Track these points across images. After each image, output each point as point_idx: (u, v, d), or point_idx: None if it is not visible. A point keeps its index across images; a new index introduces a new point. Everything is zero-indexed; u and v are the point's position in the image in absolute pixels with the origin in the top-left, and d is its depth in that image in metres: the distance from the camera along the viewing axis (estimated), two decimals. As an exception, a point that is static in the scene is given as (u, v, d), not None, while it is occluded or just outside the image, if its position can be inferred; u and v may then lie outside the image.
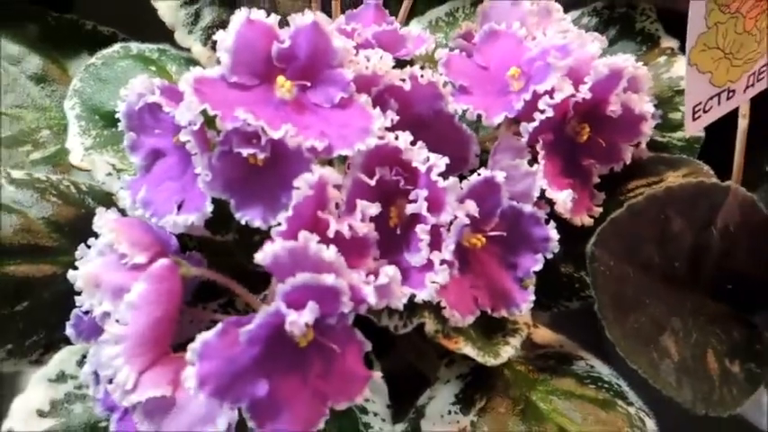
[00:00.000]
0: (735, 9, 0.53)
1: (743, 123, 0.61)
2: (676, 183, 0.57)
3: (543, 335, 0.63)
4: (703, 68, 0.55)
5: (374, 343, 0.48)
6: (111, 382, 0.46)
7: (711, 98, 0.57)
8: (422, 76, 0.53)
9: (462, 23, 0.67)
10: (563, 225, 0.57)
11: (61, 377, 0.56)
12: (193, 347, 0.43)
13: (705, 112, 0.58)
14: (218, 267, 0.53)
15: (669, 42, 0.68)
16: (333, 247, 0.44)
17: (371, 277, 0.46)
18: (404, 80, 0.53)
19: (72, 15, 0.78)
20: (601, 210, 0.59)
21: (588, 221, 0.58)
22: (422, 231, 0.49)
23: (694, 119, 0.57)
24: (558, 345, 0.62)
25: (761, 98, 0.62)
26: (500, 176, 0.52)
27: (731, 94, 0.58)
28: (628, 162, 0.60)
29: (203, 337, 0.43)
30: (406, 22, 0.71)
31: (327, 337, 0.45)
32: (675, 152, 0.65)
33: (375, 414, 0.56)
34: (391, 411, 0.57)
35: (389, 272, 0.46)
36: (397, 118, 0.51)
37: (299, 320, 0.42)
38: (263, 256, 0.43)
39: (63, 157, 0.65)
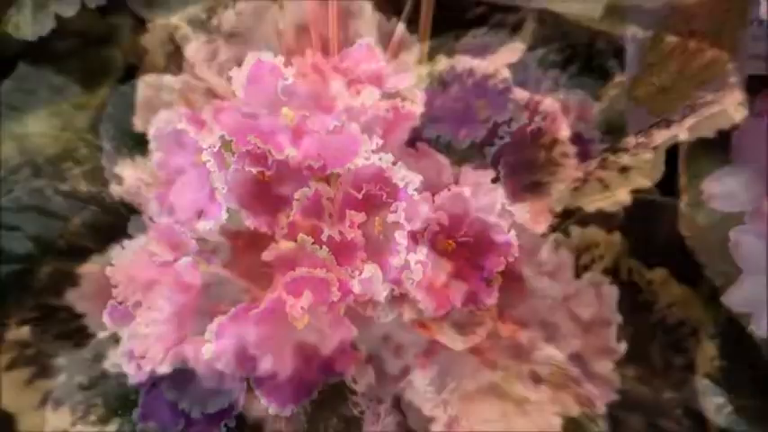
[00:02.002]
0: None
1: (684, 148, 0.68)
2: (620, 197, 0.63)
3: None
4: (641, 102, 0.62)
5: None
6: (143, 357, 0.51)
7: (651, 127, 0.63)
8: (402, 107, 0.58)
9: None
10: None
11: (98, 357, 0.61)
12: (211, 328, 0.49)
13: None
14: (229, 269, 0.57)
15: (623, 77, 0.71)
16: (325, 248, 0.50)
17: (357, 272, 0.51)
18: (387, 111, 0.57)
19: (106, 50, 0.82)
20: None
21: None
22: (400, 237, 0.53)
23: (637, 143, 0.64)
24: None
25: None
26: (467, 191, 0.57)
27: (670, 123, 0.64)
28: (580, 179, 0.64)
29: (219, 319, 0.49)
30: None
31: (320, 322, 0.50)
32: (627, 171, 0.70)
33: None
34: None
35: (372, 268, 0.51)
36: (381, 142, 0.55)
37: (297, 305, 0.48)
38: (268, 254, 0.50)
39: (99, 172, 0.68)
